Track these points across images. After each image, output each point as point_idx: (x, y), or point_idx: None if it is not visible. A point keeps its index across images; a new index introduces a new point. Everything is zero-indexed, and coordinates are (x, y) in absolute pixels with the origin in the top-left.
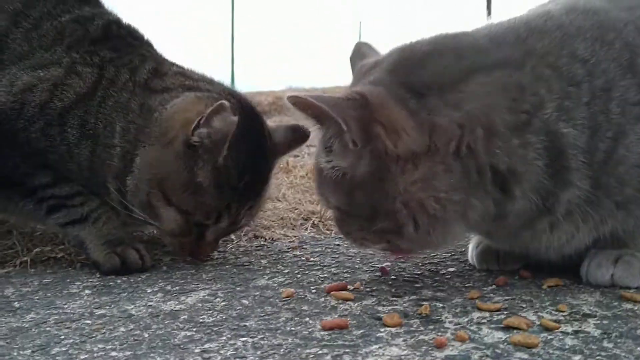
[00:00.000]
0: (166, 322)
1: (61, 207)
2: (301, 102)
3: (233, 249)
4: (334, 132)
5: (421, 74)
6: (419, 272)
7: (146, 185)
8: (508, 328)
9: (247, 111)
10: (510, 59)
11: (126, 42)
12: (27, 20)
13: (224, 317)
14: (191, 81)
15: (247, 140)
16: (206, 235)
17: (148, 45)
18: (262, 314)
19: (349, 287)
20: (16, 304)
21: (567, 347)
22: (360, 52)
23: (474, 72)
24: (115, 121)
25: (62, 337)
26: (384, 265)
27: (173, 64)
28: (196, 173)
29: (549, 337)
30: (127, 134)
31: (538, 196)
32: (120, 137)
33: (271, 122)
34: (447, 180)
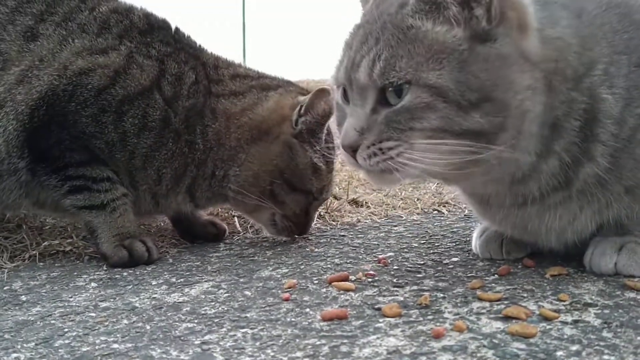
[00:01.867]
0: (168, 314)
1: (83, 189)
2: None
3: (239, 241)
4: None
5: None
6: (421, 262)
7: (267, 177)
8: (507, 318)
9: None
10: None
11: (170, 34)
12: (56, 15)
13: (226, 309)
14: (254, 80)
15: None
16: (310, 211)
17: (185, 37)
18: (264, 305)
19: (351, 277)
20: (23, 298)
21: (565, 336)
22: None
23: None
24: (196, 123)
25: (66, 329)
26: (382, 257)
27: (218, 63)
28: (311, 156)
29: (548, 326)
30: (206, 136)
31: (567, 161)
32: (202, 139)
33: None
34: (542, 106)
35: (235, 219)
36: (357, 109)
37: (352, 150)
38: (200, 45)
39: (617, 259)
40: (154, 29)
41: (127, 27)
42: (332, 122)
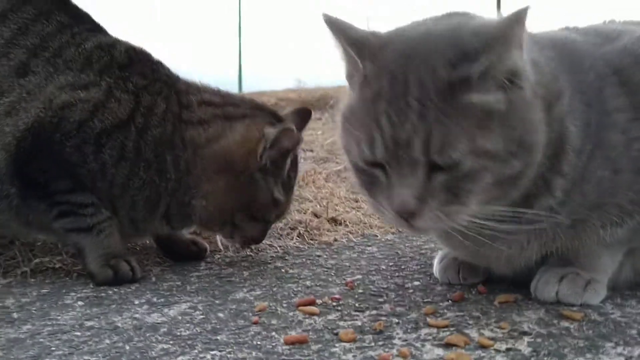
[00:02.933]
0: (147, 334)
1: (70, 214)
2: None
3: (220, 260)
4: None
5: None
6: (385, 286)
7: (230, 208)
8: (448, 345)
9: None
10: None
11: (149, 67)
12: (47, 51)
13: (199, 331)
14: (219, 109)
15: None
16: (266, 231)
17: (163, 67)
18: (234, 328)
19: (317, 301)
20: (15, 315)
21: None
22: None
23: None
24: (165, 153)
25: (53, 348)
26: (350, 280)
27: (189, 90)
28: (273, 190)
29: (482, 354)
30: (178, 165)
31: (530, 191)
32: (173, 168)
33: None
34: (544, 132)
35: (218, 237)
36: (407, 179)
37: (408, 215)
38: (178, 76)
39: (559, 288)
40: (134, 62)
41: (108, 63)
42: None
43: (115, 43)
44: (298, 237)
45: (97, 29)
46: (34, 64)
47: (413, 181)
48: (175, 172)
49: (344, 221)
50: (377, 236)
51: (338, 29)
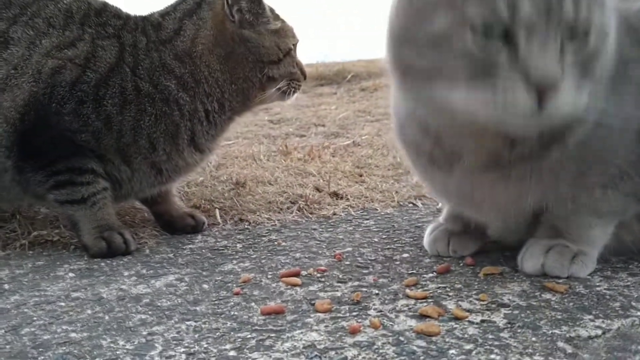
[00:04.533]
0: (129, 305)
1: (67, 184)
2: None
3: (216, 233)
4: None
5: None
6: (373, 258)
7: (255, 74)
8: (422, 316)
9: None
10: None
11: (116, 8)
12: (25, 15)
13: (180, 302)
14: (177, 12)
15: None
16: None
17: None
18: (215, 299)
19: (302, 272)
20: (6, 286)
21: (465, 336)
22: None
23: None
24: (164, 79)
25: (35, 318)
26: (339, 252)
27: (151, 14)
28: (266, 29)
29: (455, 325)
30: (185, 83)
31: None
32: (183, 89)
33: None
34: None
35: (217, 210)
36: (549, 45)
37: (552, 83)
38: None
39: (544, 260)
40: (107, 6)
41: (86, 11)
42: None
43: None
44: (298, 210)
45: None
46: (13, 30)
47: (555, 47)
48: (185, 91)
49: (346, 195)
50: (377, 210)
51: None
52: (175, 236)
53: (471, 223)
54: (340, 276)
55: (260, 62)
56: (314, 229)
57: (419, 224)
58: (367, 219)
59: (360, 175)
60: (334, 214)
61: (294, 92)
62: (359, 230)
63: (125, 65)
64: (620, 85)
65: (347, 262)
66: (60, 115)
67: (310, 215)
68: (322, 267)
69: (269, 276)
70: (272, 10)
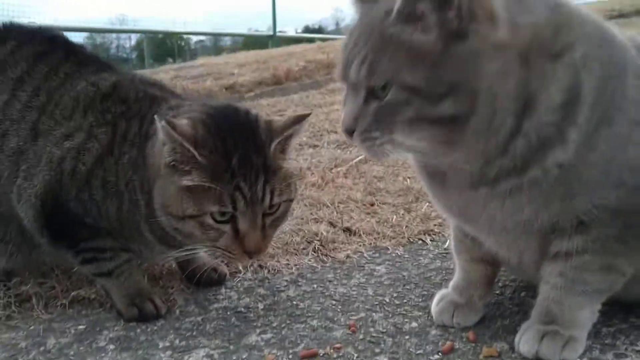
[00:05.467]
0: None
1: (93, 260)
2: None
3: (239, 284)
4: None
5: None
6: (384, 330)
7: (163, 215)
8: None
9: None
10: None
11: (136, 87)
12: (51, 104)
13: None
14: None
15: (223, 130)
16: (240, 229)
17: (161, 86)
18: None
19: (320, 351)
20: None
21: None
22: None
23: None
24: (134, 178)
25: None
26: (353, 321)
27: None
28: (179, 181)
29: None
30: (144, 186)
31: (535, 143)
32: (141, 192)
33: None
34: (515, 82)
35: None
36: (353, 99)
37: (349, 133)
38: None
39: (539, 347)
40: (116, 89)
41: (92, 97)
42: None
43: (111, 76)
44: (314, 252)
45: (102, 69)
46: (42, 121)
47: (355, 102)
48: (142, 194)
49: (358, 231)
50: (388, 250)
51: None
52: (200, 292)
53: (475, 290)
54: (355, 356)
55: (165, 208)
56: (330, 281)
57: (428, 274)
58: (379, 264)
59: (372, 205)
60: (348, 257)
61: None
62: (371, 283)
63: (109, 157)
64: (611, 123)
65: (361, 337)
66: (68, 202)
67: (325, 259)
68: (337, 345)
69: (290, 356)
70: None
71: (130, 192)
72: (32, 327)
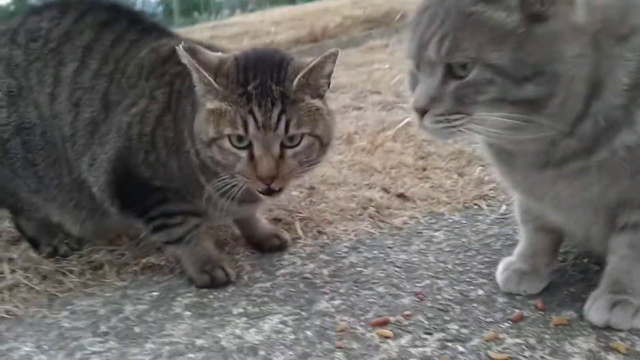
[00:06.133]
0: (248, 359)
1: (163, 227)
2: None
3: (301, 250)
4: None
5: None
6: (451, 297)
7: (200, 147)
8: None
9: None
10: None
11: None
12: (119, 72)
13: (292, 356)
14: None
15: (249, 63)
16: (255, 154)
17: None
18: (321, 354)
19: (390, 319)
20: (136, 329)
21: None
22: None
23: None
24: (185, 127)
25: None
26: (419, 288)
27: None
28: (204, 105)
29: None
30: (192, 134)
31: (602, 125)
32: (191, 140)
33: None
34: (589, 66)
35: (297, 224)
36: (428, 79)
37: (421, 112)
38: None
39: (609, 316)
40: (174, 52)
41: (153, 62)
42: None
43: (169, 41)
44: (370, 218)
45: (163, 35)
46: (111, 91)
47: (431, 82)
48: (191, 142)
49: (412, 197)
50: (444, 215)
51: None
52: (265, 258)
53: (540, 258)
54: (426, 324)
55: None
56: (389, 248)
57: (487, 241)
58: (437, 231)
59: (424, 169)
60: (405, 223)
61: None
62: (431, 249)
63: (167, 115)
64: None
65: (429, 304)
66: (137, 166)
67: (382, 225)
68: (407, 312)
69: (362, 323)
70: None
71: (185, 143)
72: (108, 294)
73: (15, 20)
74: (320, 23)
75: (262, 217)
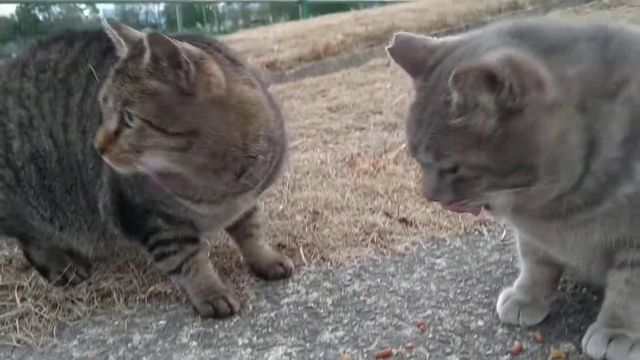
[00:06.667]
0: None
1: (162, 257)
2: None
3: (305, 277)
4: (483, 89)
5: (544, 38)
6: (452, 329)
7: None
8: None
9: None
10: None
11: None
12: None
13: None
14: None
15: None
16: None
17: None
18: None
19: (393, 351)
20: (144, 359)
21: None
22: (409, 41)
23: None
24: None
25: None
26: (421, 318)
27: None
28: None
29: None
30: None
31: (603, 180)
32: None
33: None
34: (577, 133)
35: (301, 249)
36: (427, 174)
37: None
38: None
39: (606, 350)
40: None
41: None
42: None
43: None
44: (372, 243)
45: None
46: None
47: (430, 177)
48: None
49: (414, 222)
50: (446, 241)
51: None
52: (269, 285)
53: (540, 290)
54: (427, 356)
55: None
56: (392, 276)
57: (488, 268)
58: (439, 257)
59: None
60: (406, 248)
61: None
62: (433, 278)
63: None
64: None
65: (430, 335)
66: (123, 185)
67: (384, 251)
68: (409, 344)
69: (365, 355)
70: None
71: None
72: (116, 323)
73: (24, 54)
74: (323, 40)
75: (266, 243)
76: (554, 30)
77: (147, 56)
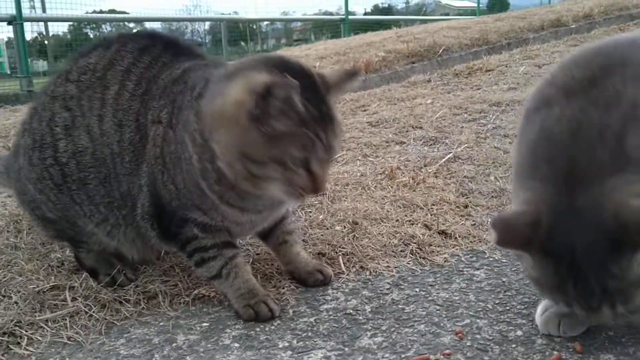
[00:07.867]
0: None
1: (202, 263)
2: None
3: (344, 285)
4: None
5: None
6: (490, 338)
7: (237, 162)
8: None
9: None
10: None
11: (197, 64)
12: (148, 94)
13: None
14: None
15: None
16: (313, 169)
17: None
18: None
19: (431, 357)
20: (188, 358)
21: None
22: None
23: None
24: (185, 136)
25: None
26: (459, 328)
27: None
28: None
29: None
30: (194, 139)
31: None
32: (193, 145)
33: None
34: None
35: (340, 258)
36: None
37: None
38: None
39: None
40: (185, 72)
41: (166, 84)
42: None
43: (188, 63)
44: (411, 254)
45: (192, 58)
46: (141, 112)
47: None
48: (194, 148)
49: (454, 234)
50: (485, 254)
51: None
52: (309, 292)
53: None
54: None
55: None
56: (431, 286)
57: (527, 280)
58: (478, 269)
59: (466, 207)
60: (446, 260)
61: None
62: (472, 288)
63: (170, 129)
64: None
65: (468, 343)
66: (160, 190)
67: (423, 262)
68: (447, 351)
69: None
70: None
71: (186, 149)
72: (161, 324)
73: (67, 63)
74: (364, 57)
75: (303, 251)
76: None
77: None
